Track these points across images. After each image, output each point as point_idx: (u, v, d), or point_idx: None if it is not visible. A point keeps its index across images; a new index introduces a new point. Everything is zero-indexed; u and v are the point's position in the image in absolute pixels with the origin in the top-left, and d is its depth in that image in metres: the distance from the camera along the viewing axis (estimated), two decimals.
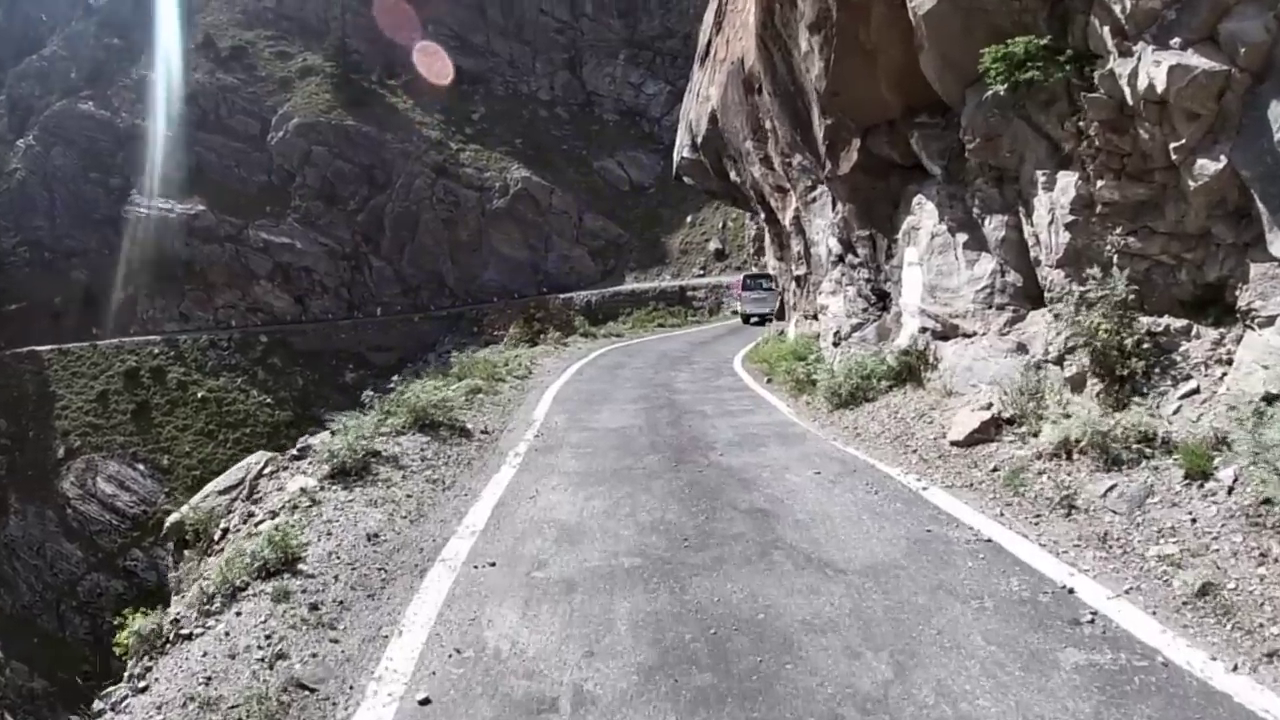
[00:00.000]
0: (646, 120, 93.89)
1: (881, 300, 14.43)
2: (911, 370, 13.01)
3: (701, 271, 78.92)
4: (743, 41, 19.31)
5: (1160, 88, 7.29)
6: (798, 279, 19.31)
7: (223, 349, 76.08)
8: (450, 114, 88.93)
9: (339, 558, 7.41)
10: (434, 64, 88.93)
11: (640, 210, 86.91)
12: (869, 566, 6.61)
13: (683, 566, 6.80)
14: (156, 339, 76.80)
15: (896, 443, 10.93)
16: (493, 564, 7.09)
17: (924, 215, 12.74)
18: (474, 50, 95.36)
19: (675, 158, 33.29)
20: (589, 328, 29.87)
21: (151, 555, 59.80)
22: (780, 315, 23.53)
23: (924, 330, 12.94)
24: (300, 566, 7.16)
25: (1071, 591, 5.98)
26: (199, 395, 72.67)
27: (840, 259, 15.75)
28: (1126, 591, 5.92)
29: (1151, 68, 7.42)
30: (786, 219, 19.50)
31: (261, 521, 8.95)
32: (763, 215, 22.06)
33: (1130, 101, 7.88)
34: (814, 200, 17.55)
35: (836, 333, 15.78)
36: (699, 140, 27.21)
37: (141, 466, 68.17)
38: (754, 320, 38.14)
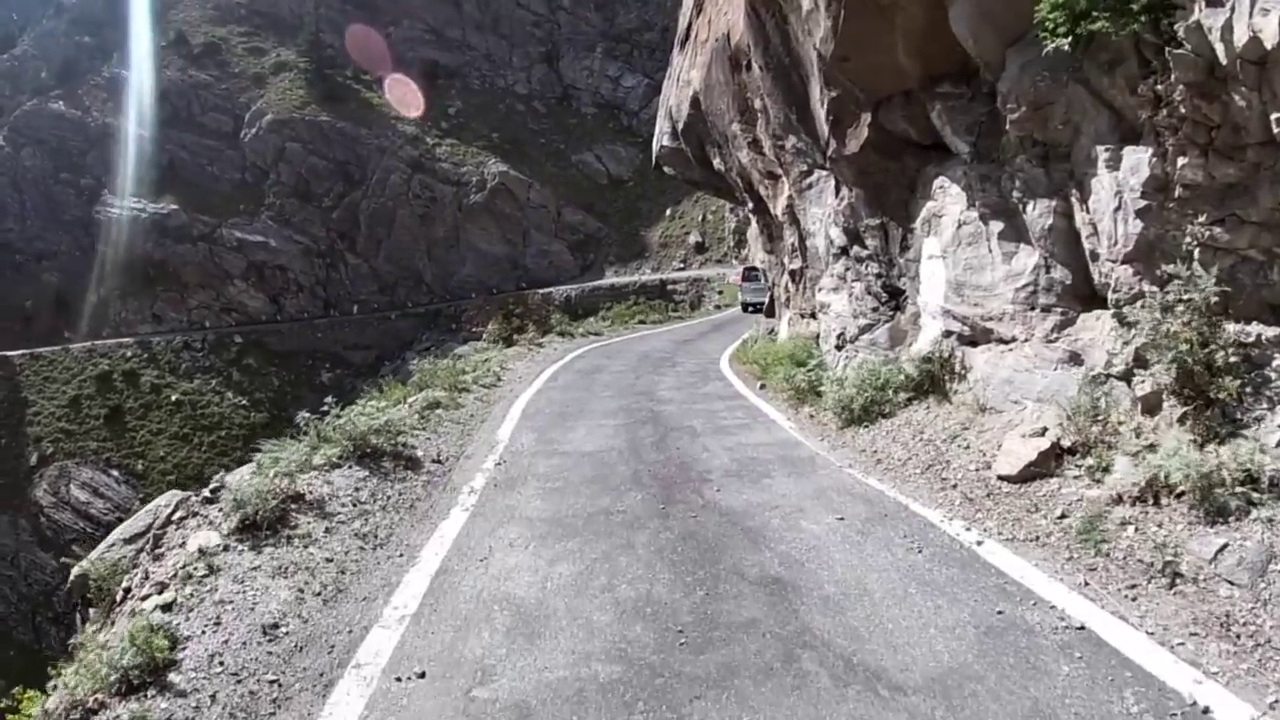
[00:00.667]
0: (625, 113, 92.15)
1: (894, 298, 12.54)
2: (934, 381, 11.15)
3: (681, 265, 77.58)
4: (728, 16, 17.42)
5: (1270, 43, 5.56)
6: (792, 274, 17.38)
7: (196, 350, 74.08)
8: (426, 108, 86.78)
9: (223, 662, 5.45)
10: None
11: (619, 204, 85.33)
12: (934, 679, 4.74)
13: (679, 680, 4.89)
14: (129, 341, 74.62)
15: (929, 473, 9.05)
16: (422, 674, 5.15)
17: (947, 201, 10.86)
18: (450, 44, 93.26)
19: (654, 146, 31.33)
20: (566, 325, 27.63)
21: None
22: (770, 312, 21.61)
23: (948, 334, 11.07)
24: (172, 677, 5.26)
25: (1207, 712, 4.30)
26: (173, 398, 70.81)
27: (844, 251, 13.86)
28: (1272, 706, 4.34)
29: (1258, 17, 5.59)
30: (778, 208, 17.60)
31: (148, 596, 6.99)
32: (750, 205, 20.17)
33: (1223, 61, 6.03)
34: (810, 186, 15.66)
35: (840, 335, 13.89)
36: (680, 127, 25.26)
37: (115, 472, 66.46)
38: (751, 309, 39.97)
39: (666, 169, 30.64)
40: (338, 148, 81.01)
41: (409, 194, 79.84)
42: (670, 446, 11.21)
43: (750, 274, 44.12)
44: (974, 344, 10.71)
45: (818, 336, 15.58)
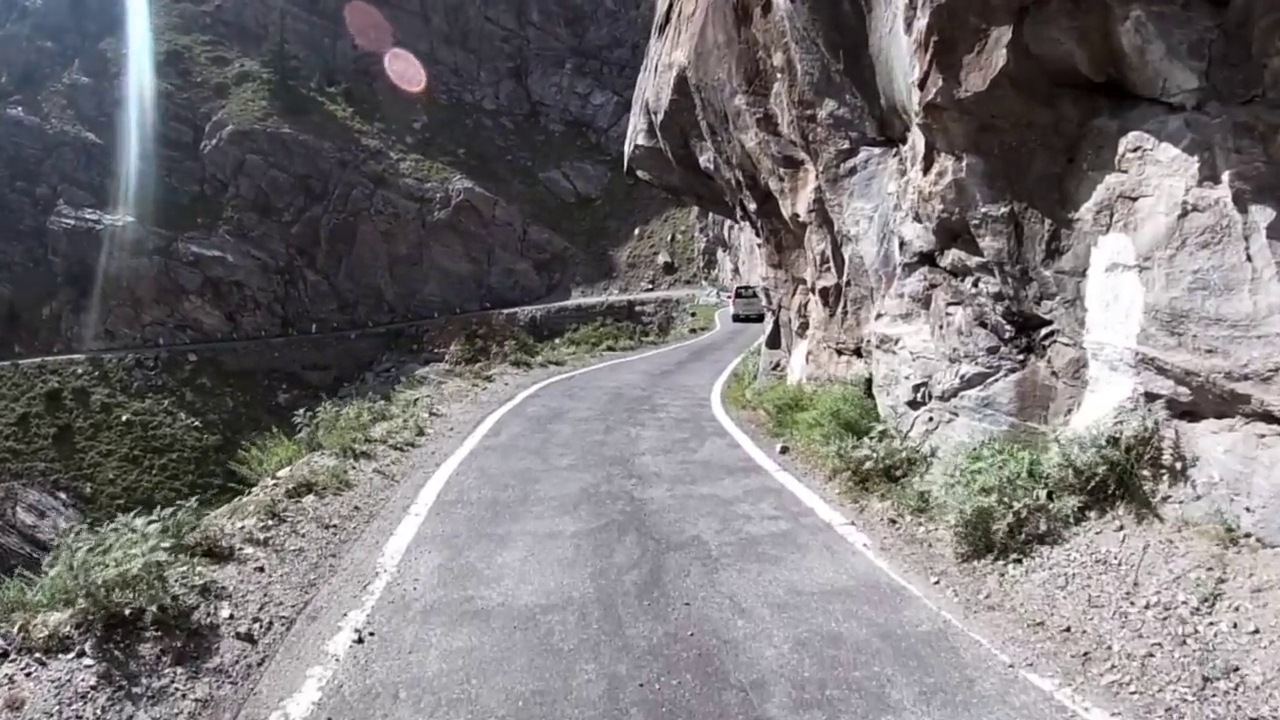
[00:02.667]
0: (594, 131, 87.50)
1: (1026, 334, 7.48)
2: (1123, 480, 6.14)
3: (650, 285, 73.47)
4: None
5: None
6: (823, 293, 12.06)
7: (149, 368, 68.71)
8: (391, 123, 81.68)
9: None
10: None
11: (586, 222, 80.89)
12: None
13: None
14: (80, 358, 69.43)
15: (1205, 701, 4.03)
16: None
17: (1155, 173, 5.81)
18: (417, 58, 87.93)
19: (628, 148, 26.26)
20: (520, 354, 21.78)
21: None
22: (774, 342, 16.35)
23: (1149, 398, 6.09)
24: None
25: None
26: (123, 418, 65.88)
27: (926, 259, 8.79)
28: None
29: None
30: (798, 205, 12.45)
31: None
32: (754, 207, 15.04)
33: None
34: (852, 172, 10.60)
35: (920, 387, 8.81)
36: (659, 120, 20.20)
37: (63, 495, 61.38)
38: (740, 319, 43.99)
39: (640, 173, 25.54)
40: (299, 161, 75.53)
41: (371, 210, 74.57)
42: (671, 598, 5.93)
43: (742, 291, 45.68)
44: (1196, 416, 5.79)
45: (868, 383, 10.50)
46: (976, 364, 8.01)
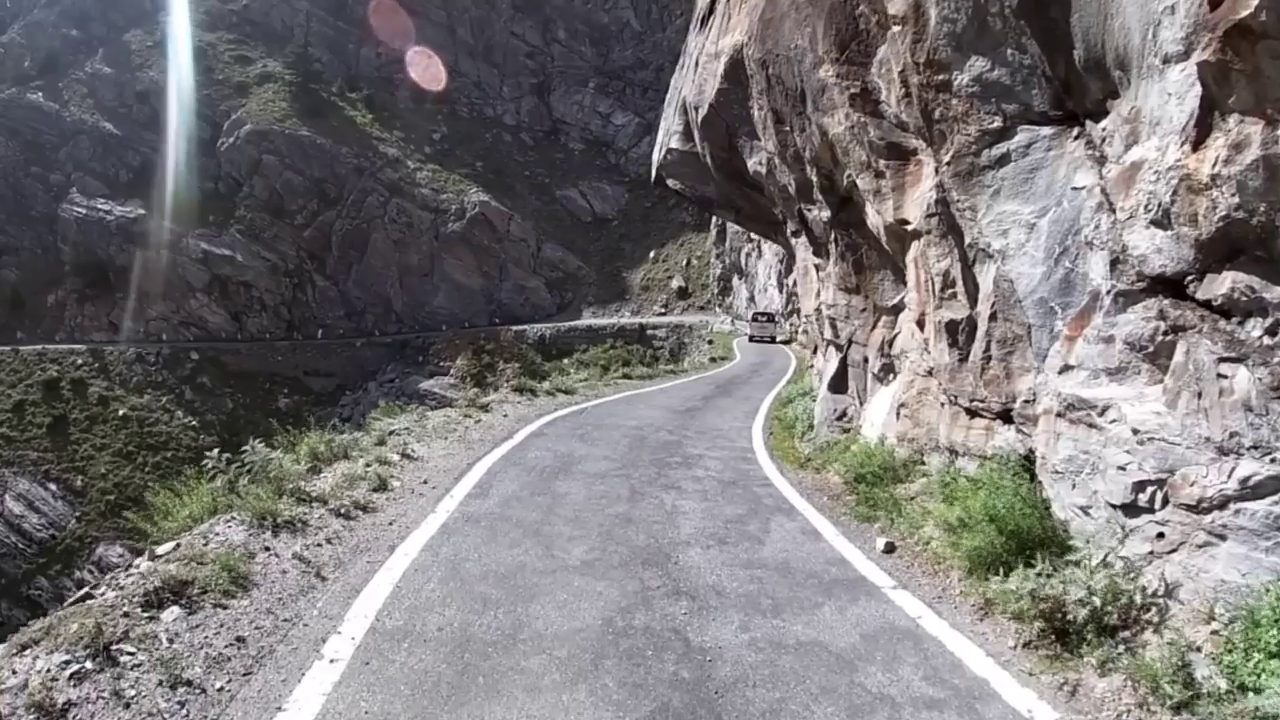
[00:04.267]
0: (613, 151, 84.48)
1: None
2: None
3: (663, 310, 70.39)
4: None
5: None
6: (948, 328, 8.17)
7: (150, 364, 65.89)
8: (410, 132, 78.81)
9: None
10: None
11: (602, 243, 77.86)
12: None
13: None
14: (81, 348, 66.82)
15: None
16: None
17: None
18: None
19: (656, 155, 22.98)
20: (525, 380, 18.00)
21: (57, 585, 50.73)
22: (839, 385, 12.55)
23: None
24: None
25: None
26: (120, 413, 63.34)
27: (1164, 285, 5.35)
28: None
29: None
30: (908, 209, 8.82)
31: None
32: (823, 215, 11.57)
33: None
34: (1000, 161, 7.20)
35: (1148, 485, 5.33)
36: (700, 117, 16.91)
37: (54, 486, 58.56)
38: (755, 339, 50.71)
39: (671, 182, 22.20)
40: (315, 164, 72.54)
41: (385, 217, 71.51)
42: None
43: (758, 317, 52.91)
44: None
45: (1029, 461, 7.04)
46: (1274, 462, 4.62)
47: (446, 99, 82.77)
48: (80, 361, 65.40)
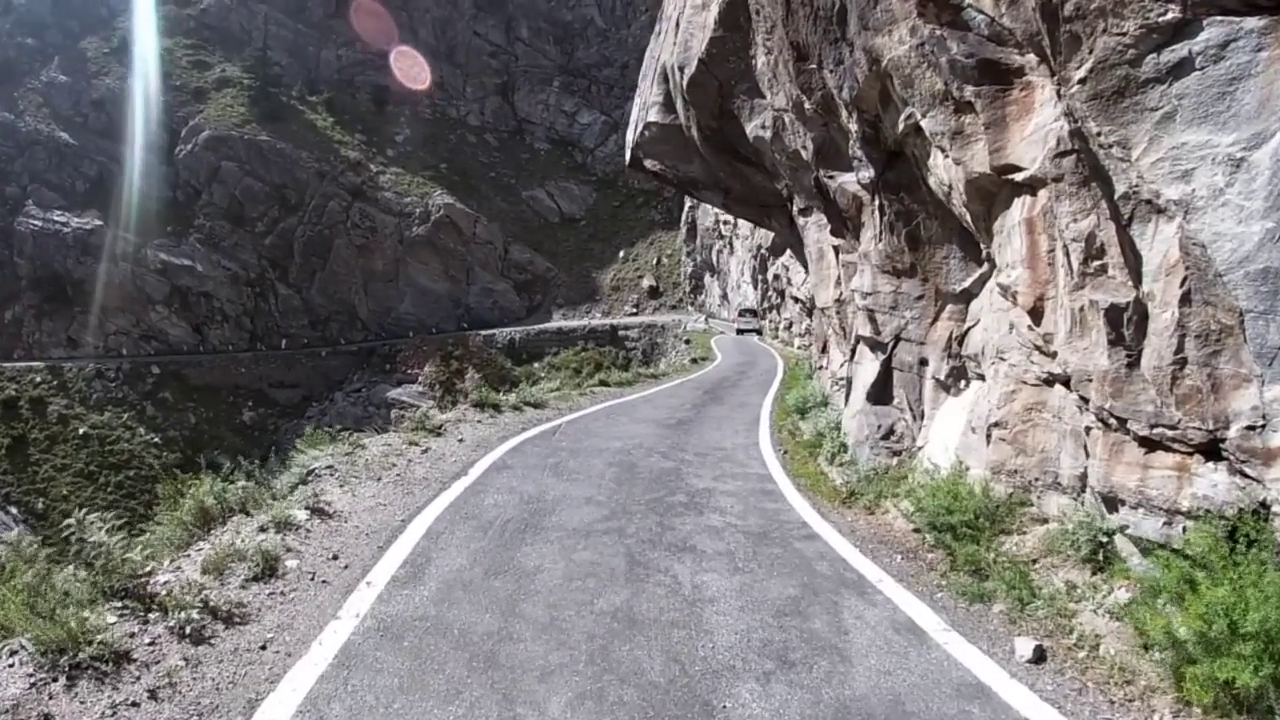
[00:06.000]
0: (580, 150, 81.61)
1: None
2: None
3: (634, 309, 67.70)
4: None
5: None
6: (1108, 314, 5.29)
7: (110, 380, 62.22)
8: (372, 134, 75.40)
9: None
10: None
11: (570, 243, 74.94)
12: None
13: None
14: (40, 365, 62.88)
15: None
16: None
17: None
18: None
19: (631, 134, 20.17)
20: (486, 393, 14.68)
21: None
22: (882, 395, 9.52)
23: None
24: None
25: None
26: (80, 431, 59.60)
27: None
28: None
29: None
30: (1011, 150, 5.93)
31: None
32: (865, 176, 8.68)
33: None
34: (1172, 73, 4.55)
35: None
36: (687, 78, 14.12)
37: (14, 510, 54.27)
38: (742, 332, 53.14)
39: (648, 163, 19.38)
40: (276, 169, 68.98)
41: (348, 223, 68.13)
42: None
43: (744, 314, 54.41)
44: None
45: (1260, 519, 4.31)
46: None
47: (409, 100, 79.47)
48: (39, 379, 61.62)
